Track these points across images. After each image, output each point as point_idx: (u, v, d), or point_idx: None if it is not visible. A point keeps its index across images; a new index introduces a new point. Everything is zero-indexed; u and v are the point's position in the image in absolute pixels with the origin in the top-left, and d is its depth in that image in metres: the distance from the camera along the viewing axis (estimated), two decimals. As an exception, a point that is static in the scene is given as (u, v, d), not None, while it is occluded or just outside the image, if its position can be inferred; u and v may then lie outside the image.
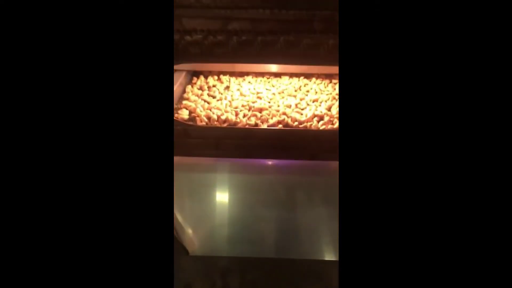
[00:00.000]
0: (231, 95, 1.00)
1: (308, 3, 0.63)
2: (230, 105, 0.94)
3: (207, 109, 0.92)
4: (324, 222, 0.94)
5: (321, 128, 0.86)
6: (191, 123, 0.83)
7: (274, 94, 1.01)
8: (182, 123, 0.80)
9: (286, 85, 1.06)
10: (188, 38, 0.66)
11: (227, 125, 0.86)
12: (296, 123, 0.87)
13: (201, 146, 0.80)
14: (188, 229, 0.89)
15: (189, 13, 0.64)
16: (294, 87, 1.05)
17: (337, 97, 1.02)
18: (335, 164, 0.86)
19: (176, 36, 0.70)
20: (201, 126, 0.82)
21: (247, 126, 0.83)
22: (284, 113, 0.90)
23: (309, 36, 0.66)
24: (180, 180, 0.77)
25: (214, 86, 1.05)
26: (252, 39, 0.66)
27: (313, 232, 0.92)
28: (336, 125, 0.87)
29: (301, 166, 0.90)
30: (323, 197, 0.95)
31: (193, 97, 0.97)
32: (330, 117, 0.89)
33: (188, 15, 0.64)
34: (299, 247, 0.90)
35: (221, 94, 1.01)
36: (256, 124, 0.86)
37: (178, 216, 0.81)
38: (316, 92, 1.03)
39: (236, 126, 0.83)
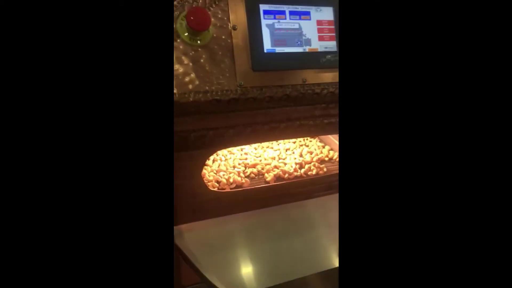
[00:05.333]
0: (223, 155, 1.21)
1: (312, 100, 0.88)
2: (229, 165, 1.15)
3: (210, 172, 1.11)
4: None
5: (308, 173, 1.14)
6: (216, 189, 1.02)
7: (255, 148, 1.25)
8: (214, 191, 0.97)
9: (261, 136, 1.30)
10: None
11: (235, 186, 1.08)
12: (286, 175, 1.13)
13: (231, 207, 0.99)
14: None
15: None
16: (269, 138, 1.30)
17: (303, 142, 1.30)
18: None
19: None
20: (230, 191, 1.01)
21: (250, 186, 1.05)
22: (276, 167, 1.15)
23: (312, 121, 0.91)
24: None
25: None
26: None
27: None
28: (314, 171, 1.15)
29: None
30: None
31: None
32: (307, 164, 1.17)
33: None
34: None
35: (217, 154, 1.20)
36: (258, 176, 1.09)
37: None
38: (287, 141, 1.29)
39: (246, 187, 1.05)
